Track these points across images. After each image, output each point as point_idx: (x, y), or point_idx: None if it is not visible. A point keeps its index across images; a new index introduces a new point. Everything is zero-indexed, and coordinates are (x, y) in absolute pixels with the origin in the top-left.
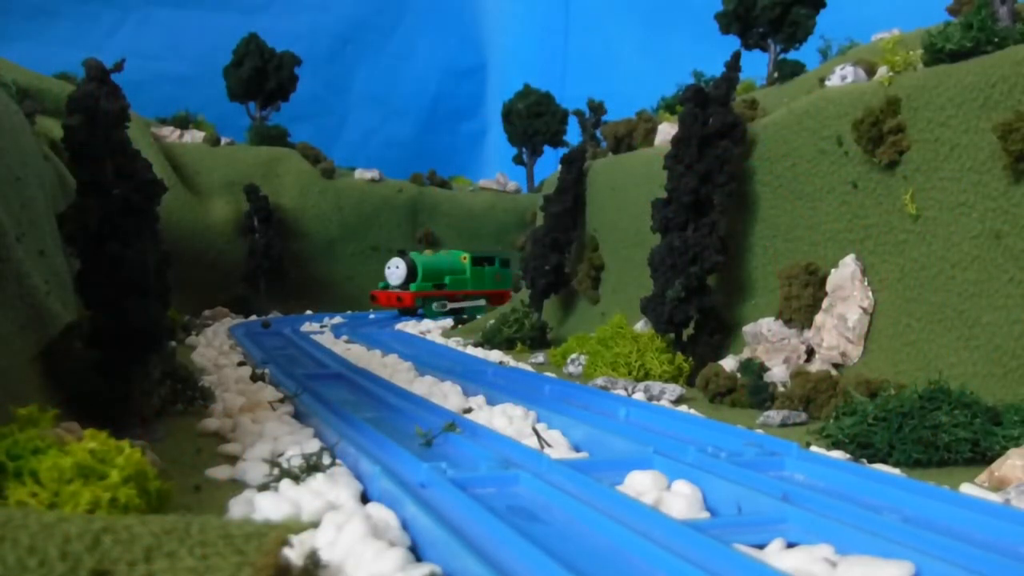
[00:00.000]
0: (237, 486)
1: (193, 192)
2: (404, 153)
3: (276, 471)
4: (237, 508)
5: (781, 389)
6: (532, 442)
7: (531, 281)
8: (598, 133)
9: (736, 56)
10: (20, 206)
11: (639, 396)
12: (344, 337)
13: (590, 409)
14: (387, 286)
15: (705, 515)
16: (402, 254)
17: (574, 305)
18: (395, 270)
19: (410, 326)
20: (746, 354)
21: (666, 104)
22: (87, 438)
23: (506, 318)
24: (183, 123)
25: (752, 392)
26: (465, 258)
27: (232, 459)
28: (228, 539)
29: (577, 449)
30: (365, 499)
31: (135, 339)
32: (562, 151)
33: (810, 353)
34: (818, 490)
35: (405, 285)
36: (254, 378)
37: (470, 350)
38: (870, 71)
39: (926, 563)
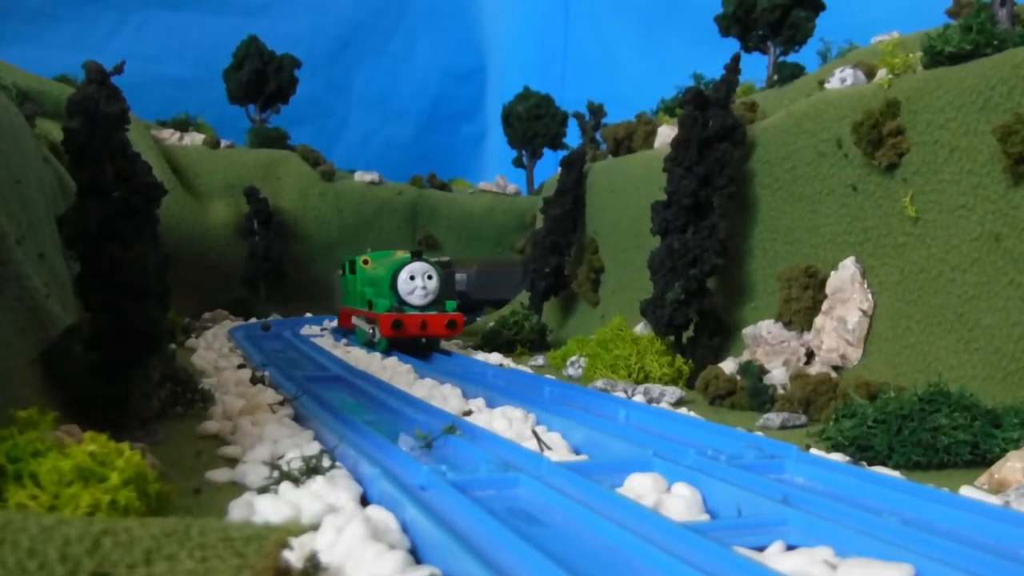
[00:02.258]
0: (237, 488)
1: (193, 194)
2: (404, 155)
3: (276, 474)
4: (237, 511)
5: (781, 391)
6: (532, 444)
7: (531, 283)
8: (598, 135)
9: (736, 58)
10: (20, 208)
11: (639, 398)
12: (344, 341)
13: (590, 412)
14: (400, 306)
15: (705, 517)
16: (421, 257)
17: (574, 307)
18: (428, 282)
19: None
20: (746, 356)
21: (666, 107)
22: (87, 440)
23: (506, 320)
24: (183, 125)
25: (752, 394)
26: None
27: (232, 462)
28: (228, 542)
29: (577, 452)
30: (365, 501)
31: (135, 341)
32: (562, 153)
33: (810, 355)
34: (818, 493)
35: (440, 304)
36: (254, 381)
37: (470, 353)
38: (869, 74)
39: (926, 566)
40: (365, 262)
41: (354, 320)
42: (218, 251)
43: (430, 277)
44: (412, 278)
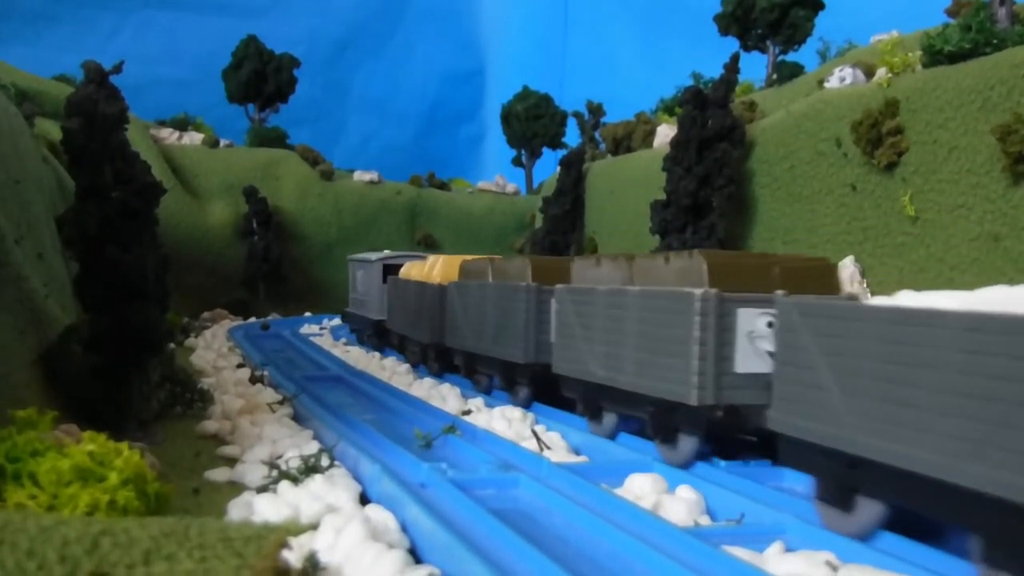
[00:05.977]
0: (236, 488)
1: (192, 194)
2: (403, 157)
3: (275, 473)
4: (236, 510)
5: None
6: (531, 444)
7: None
8: (597, 135)
9: (735, 58)
10: (19, 209)
11: None
12: (343, 340)
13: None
14: None
15: (705, 520)
16: None
17: None
18: None
19: None
20: None
21: (665, 106)
22: (86, 441)
23: None
24: (182, 125)
25: None
26: None
27: (231, 461)
28: (227, 542)
29: (577, 452)
30: (364, 500)
31: (134, 342)
32: (561, 153)
33: None
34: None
35: None
36: (253, 380)
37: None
38: (869, 73)
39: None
40: None
41: None
42: (217, 251)
43: None
44: None
